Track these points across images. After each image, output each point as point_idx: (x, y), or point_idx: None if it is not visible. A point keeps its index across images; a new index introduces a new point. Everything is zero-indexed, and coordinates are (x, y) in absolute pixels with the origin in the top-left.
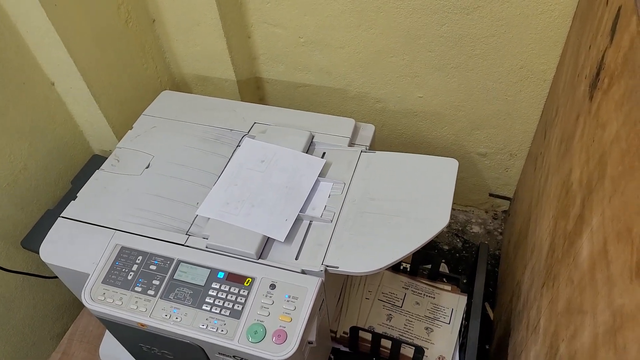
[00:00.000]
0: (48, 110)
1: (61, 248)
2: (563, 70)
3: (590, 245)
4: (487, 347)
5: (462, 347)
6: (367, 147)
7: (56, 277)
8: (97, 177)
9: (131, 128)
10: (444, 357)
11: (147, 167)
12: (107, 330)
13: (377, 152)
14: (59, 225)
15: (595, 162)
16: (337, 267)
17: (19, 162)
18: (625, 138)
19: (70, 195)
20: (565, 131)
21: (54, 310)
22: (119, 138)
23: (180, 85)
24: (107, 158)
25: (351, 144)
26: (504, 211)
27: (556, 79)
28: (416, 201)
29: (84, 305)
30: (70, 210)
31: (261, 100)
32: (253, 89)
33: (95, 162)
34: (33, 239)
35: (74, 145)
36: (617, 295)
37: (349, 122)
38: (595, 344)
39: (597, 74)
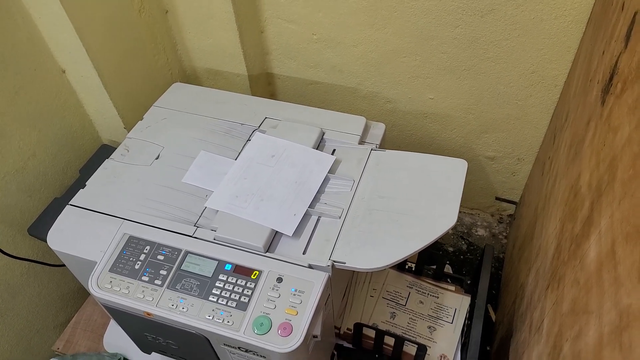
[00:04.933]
0: (58, 98)
1: (69, 236)
2: (575, 76)
3: (598, 247)
4: (488, 348)
5: (464, 346)
6: (377, 146)
7: (62, 265)
8: (107, 167)
9: (141, 119)
10: (446, 356)
11: (156, 158)
12: (111, 320)
13: (387, 151)
14: (68, 213)
15: (605, 166)
16: (344, 263)
17: (27, 149)
18: (637, 142)
19: (78, 184)
20: (575, 136)
21: (58, 299)
22: (128, 129)
23: (191, 78)
24: (115, 148)
25: (361, 142)
26: (510, 215)
27: (567, 85)
28: (424, 200)
29: (88, 295)
30: (79, 198)
31: (272, 96)
32: (264, 85)
33: (104, 151)
34: (40, 227)
35: (82, 135)
36: (624, 295)
37: (360, 120)
38: (601, 343)
39: (610, 79)
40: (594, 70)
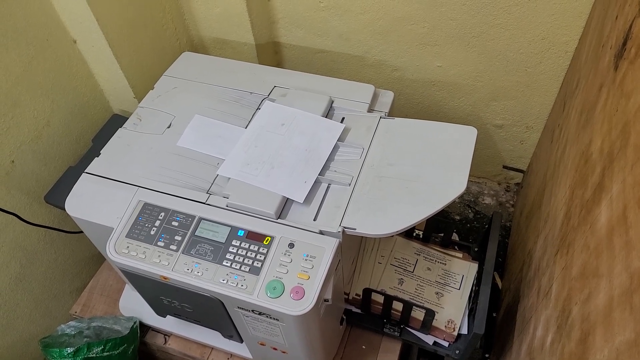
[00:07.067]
0: (70, 68)
1: (86, 202)
2: (586, 41)
3: (609, 212)
4: (494, 315)
5: (471, 312)
6: (386, 114)
7: (77, 232)
8: (120, 135)
9: (152, 88)
10: (454, 321)
11: (168, 127)
12: (126, 285)
13: (396, 119)
14: (84, 181)
15: (618, 132)
16: (355, 229)
17: (42, 118)
18: None
19: (92, 152)
20: (587, 102)
21: (74, 265)
22: (138, 98)
23: (199, 47)
24: (127, 118)
25: (370, 109)
26: (517, 183)
27: (578, 51)
28: (434, 167)
29: (102, 261)
30: (94, 166)
31: (278, 65)
32: (271, 54)
33: (116, 121)
34: (56, 194)
35: (94, 104)
36: (635, 258)
37: (369, 88)
38: (611, 305)
39: (624, 44)
40: (607, 35)
